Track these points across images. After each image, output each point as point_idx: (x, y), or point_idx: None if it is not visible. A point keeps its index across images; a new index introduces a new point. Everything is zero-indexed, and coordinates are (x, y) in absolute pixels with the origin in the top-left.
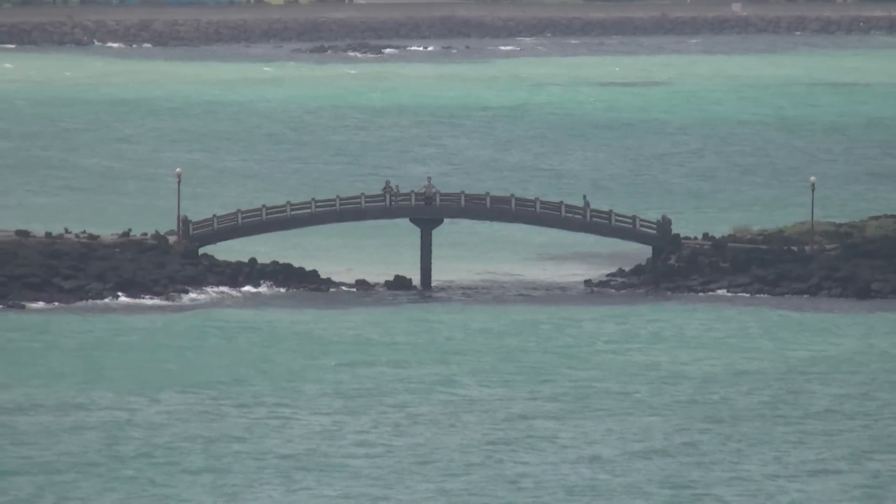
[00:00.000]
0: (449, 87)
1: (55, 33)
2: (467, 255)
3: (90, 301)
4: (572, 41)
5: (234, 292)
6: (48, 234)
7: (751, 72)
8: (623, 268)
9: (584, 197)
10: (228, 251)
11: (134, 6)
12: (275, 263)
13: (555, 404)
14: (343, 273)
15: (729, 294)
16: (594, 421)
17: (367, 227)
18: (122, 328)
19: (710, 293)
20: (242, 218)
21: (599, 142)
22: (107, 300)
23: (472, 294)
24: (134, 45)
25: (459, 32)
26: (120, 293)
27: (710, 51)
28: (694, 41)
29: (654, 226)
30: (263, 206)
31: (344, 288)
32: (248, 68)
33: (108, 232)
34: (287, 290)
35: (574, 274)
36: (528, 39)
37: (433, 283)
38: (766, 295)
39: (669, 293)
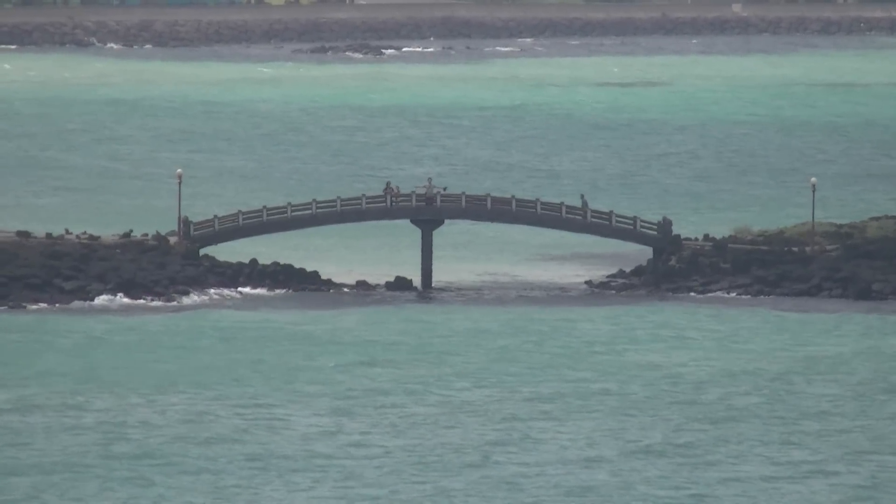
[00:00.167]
0: (449, 88)
1: (56, 34)
2: (468, 255)
3: (91, 302)
4: (572, 42)
5: (234, 293)
6: (49, 235)
7: (751, 72)
8: (624, 269)
9: (582, 196)
10: (229, 252)
11: (134, 7)
12: (276, 264)
13: (555, 405)
14: (344, 274)
15: (730, 295)
16: (594, 421)
17: (368, 227)
18: (123, 329)
19: (711, 294)
20: (243, 219)
21: (599, 142)
22: (107, 301)
23: (473, 295)
24: (134, 46)
25: (460, 33)
26: (121, 294)
27: (710, 51)
28: (694, 42)
29: (655, 227)
30: (264, 206)
31: (345, 289)
32: (248, 69)
33: (108, 233)
34: (288, 291)
35: (575, 275)
36: (528, 40)
37: (434, 284)
38: (766, 296)
39: (670, 294)
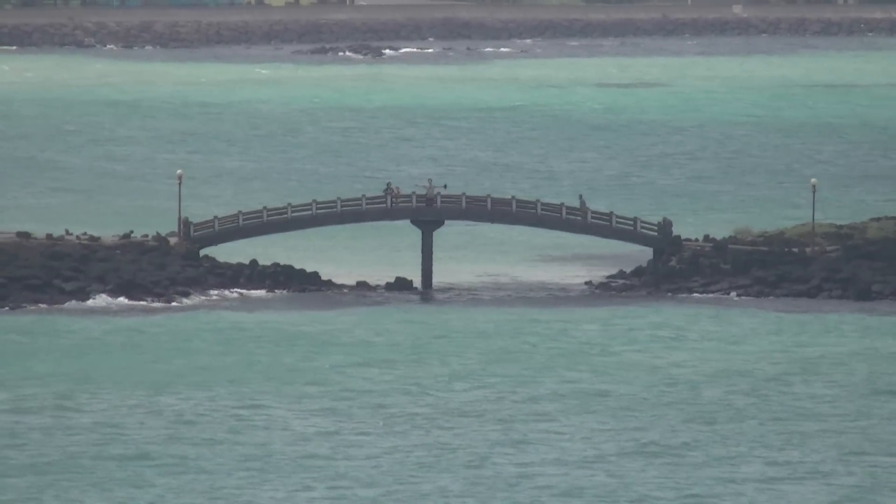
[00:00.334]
0: (449, 89)
1: (56, 35)
2: (468, 256)
3: (91, 303)
4: (572, 43)
5: (234, 294)
6: (49, 236)
7: (751, 73)
8: (624, 269)
9: (581, 197)
10: (229, 253)
11: (135, 8)
12: (276, 265)
13: (554, 405)
14: (344, 275)
15: (730, 296)
16: (593, 422)
17: (368, 228)
18: (123, 330)
19: (711, 295)
20: (243, 219)
21: (598, 143)
22: (107, 302)
23: (473, 295)
24: (135, 47)
25: (460, 34)
26: (121, 295)
27: (710, 52)
28: (694, 43)
29: (655, 227)
30: (264, 207)
31: (345, 290)
32: (248, 70)
33: (108, 233)
34: (288, 292)
35: (575, 275)
36: (527, 41)
37: (434, 285)
38: (766, 297)
39: (670, 294)
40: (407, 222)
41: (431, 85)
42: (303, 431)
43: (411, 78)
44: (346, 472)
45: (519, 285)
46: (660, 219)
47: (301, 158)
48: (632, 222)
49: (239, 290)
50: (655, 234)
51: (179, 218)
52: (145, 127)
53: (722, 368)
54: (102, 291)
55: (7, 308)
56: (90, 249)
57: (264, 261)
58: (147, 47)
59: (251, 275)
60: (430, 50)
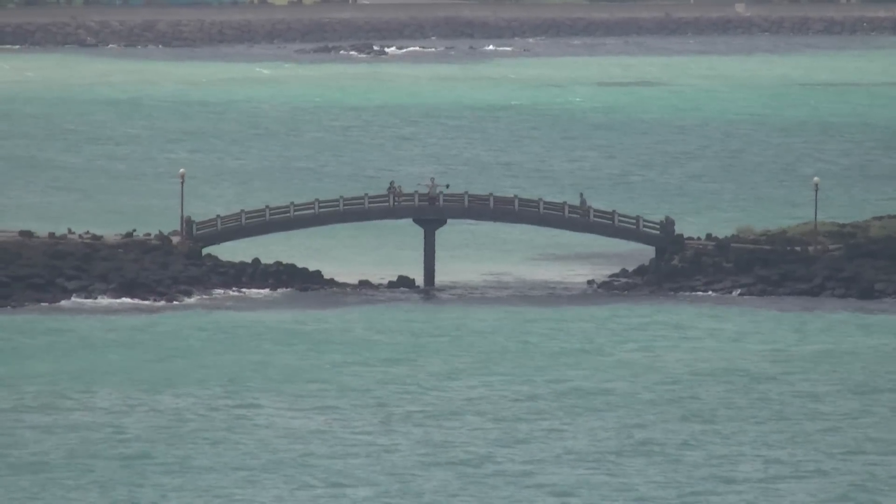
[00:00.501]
0: (451, 88)
1: (59, 34)
2: (471, 255)
3: (94, 302)
4: (575, 42)
5: (237, 293)
6: (51, 235)
7: (753, 72)
8: (626, 268)
9: (581, 195)
10: (232, 251)
11: (137, 7)
12: (278, 264)
13: (556, 404)
14: (346, 274)
15: (732, 294)
16: (595, 420)
17: (371, 227)
18: (125, 329)
19: (714, 293)
20: (246, 218)
21: (600, 142)
22: (110, 301)
23: (476, 294)
24: (138, 46)
25: (463, 33)
26: (123, 294)
27: (713, 52)
28: (697, 42)
29: (658, 226)
30: (267, 206)
31: (347, 289)
32: (251, 69)
33: (111, 232)
34: (290, 291)
35: (577, 274)
36: (531, 40)
37: (436, 284)
38: (769, 295)
39: (673, 293)
40: (409, 221)
41: (434, 84)
42: (304, 430)
43: (414, 77)
44: (347, 471)
45: (521, 284)
46: (662, 218)
47: (304, 157)
48: (634, 221)
49: (241, 289)
50: (658, 232)
51: (182, 217)
52: (148, 126)
53: (724, 367)
54: (105, 290)
55: (9, 307)
56: (93, 248)
57: (267, 260)
58: (150, 46)
59: (253, 274)
60: (433, 49)
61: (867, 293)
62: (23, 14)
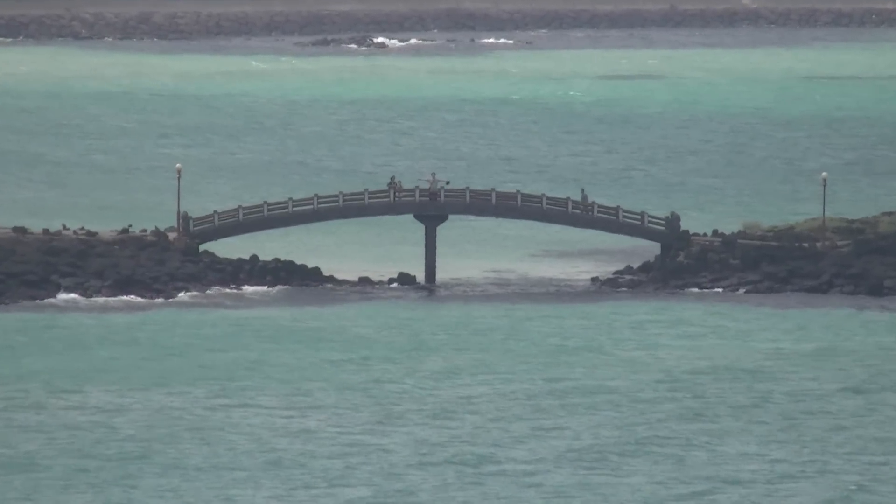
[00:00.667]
0: (452, 81)
1: (53, 26)
2: (472, 251)
3: (89, 299)
4: (578, 34)
5: (234, 290)
6: (46, 231)
7: (759, 66)
8: (631, 265)
9: (583, 191)
10: (229, 248)
11: None
12: (276, 261)
13: (559, 402)
14: (346, 270)
15: (739, 291)
16: (599, 419)
17: (371, 223)
18: (121, 326)
19: (720, 290)
20: (244, 214)
21: (602, 137)
22: (106, 298)
23: (478, 291)
24: (133, 39)
25: (464, 25)
26: (119, 291)
27: (718, 44)
28: (702, 34)
29: (663, 222)
30: (265, 202)
31: (347, 286)
32: (248, 62)
33: (106, 228)
34: (289, 288)
35: (581, 271)
36: (533, 32)
37: (437, 281)
38: (776, 292)
39: (678, 290)
40: (410, 217)
41: (433, 77)
42: (302, 430)
43: (414, 70)
44: (345, 471)
45: (523, 281)
46: (667, 213)
47: (302, 152)
48: (639, 217)
49: (239, 286)
50: (663, 228)
51: (178, 213)
52: (143, 120)
53: (730, 366)
54: (100, 288)
55: (3, 304)
56: (88, 245)
57: (265, 256)
58: (145, 39)
59: (251, 271)
60: (434, 41)
61: (876, 290)
62: (16, 6)
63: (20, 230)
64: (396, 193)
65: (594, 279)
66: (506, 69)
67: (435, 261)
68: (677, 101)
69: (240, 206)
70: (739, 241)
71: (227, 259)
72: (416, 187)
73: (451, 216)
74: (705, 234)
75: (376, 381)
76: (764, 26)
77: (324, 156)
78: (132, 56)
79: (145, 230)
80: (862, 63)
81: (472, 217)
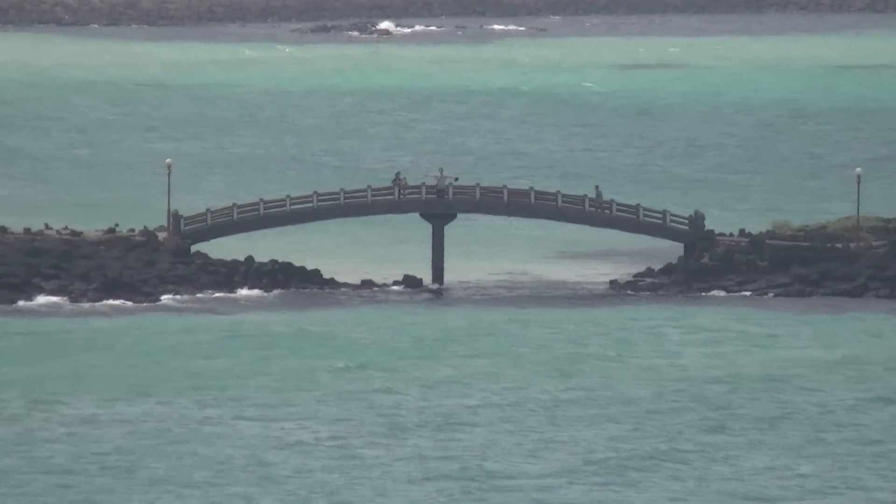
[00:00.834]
0: (460, 71)
1: (34, 12)
2: (482, 252)
3: (73, 303)
4: (594, 21)
5: (228, 294)
6: (27, 231)
7: (789, 54)
8: (652, 267)
9: (597, 187)
10: (223, 249)
11: None
12: (273, 262)
13: (575, 413)
14: (348, 273)
15: (767, 295)
16: (616, 430)
17: (374, 222)
18: (107, 332)
19: (747, 294)
20: (238, 213)
21: (621, 130)
22: (91, 302)
23: (487, 295)
24: (120, 25)
25: (473, 10)
26: (105, 294)
27: (744, 31)
28: (727, 20)
29: (686, 221)
30: (261, 199)
31: (349, 289)
32: (242, 50)
33: (91, 228)
34: (287, 292)
35: (598, 273)
36: (546, 19)
37: (445, 283)
38: (807, 296)
39: (702, 294)
40: (416, 216)
41: (439, 66)
42: (301, 442)
43: (419, 59)
44: (348, 485)
45: (537, 284)
46: (690, 212)
47: (299, 146)
48: (661, 215)
49: (233, 289)
50: (686, 228)
51: (169, 211)
52: (130, 112)
53: (756, 374)
54: (85, 291)
55: None
56: (72, 245)
57: (261, 258)
58: (133, 26)
59: (247, 273)
60: (441, 28)
61: None
62: None
63: None
64: (401, 190)
65: (612, 282)
66: (516, 58)
67: (442, 262)
68: (699, 92)
69: (234, 204)
70: (768, 241)
71: (220, 260)
72: (423, 184)
73: (459, 215)
74: (731, 234)
75: (379, 391)
76: (793, 12)
77: (322, 150)
78: (118, 44)
79: (133, 230)
80: None
81: (481, 215)
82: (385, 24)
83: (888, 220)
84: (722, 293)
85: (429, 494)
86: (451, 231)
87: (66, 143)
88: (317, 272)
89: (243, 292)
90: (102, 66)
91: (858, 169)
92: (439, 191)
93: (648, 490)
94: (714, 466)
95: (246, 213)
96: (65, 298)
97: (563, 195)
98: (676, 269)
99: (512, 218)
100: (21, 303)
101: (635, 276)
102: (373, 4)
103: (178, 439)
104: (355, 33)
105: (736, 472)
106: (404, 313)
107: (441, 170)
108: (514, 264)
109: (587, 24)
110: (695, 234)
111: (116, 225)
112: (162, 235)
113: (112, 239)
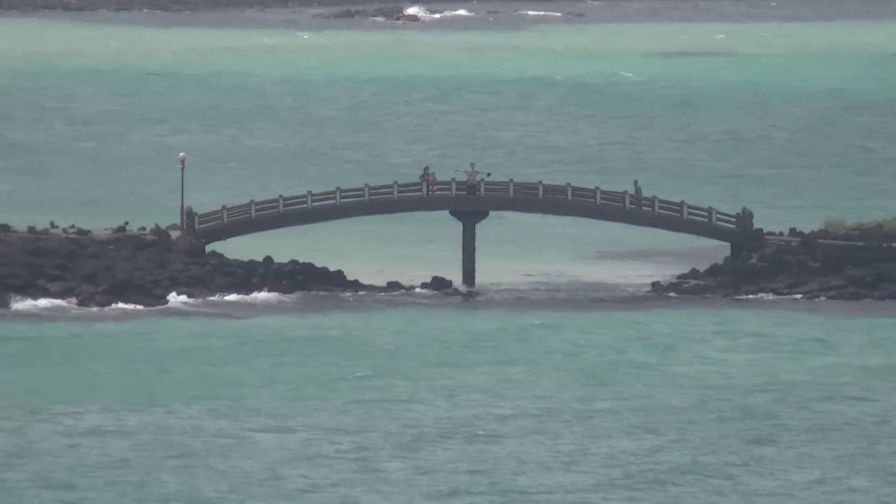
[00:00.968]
0: (491, 59)
1: None
2: (516, 252)
3: (80, 306)
4: (635, 5)
5: (245, 296)
6: (31, 229)
7: (841, 41)
8: (697, 268)
9: (636, 183)
10: (240, 249)
11: None
12: (293, 263)
13: (614, 423)
14: (373, 274)
15: (820, 298)
16: (657, 440)
17: (401, 220)
18: (116, 337)
19: (798, 297)
20: (256, 210)
21: (663, 121)
22: (99, 305)
23: (521, 297)
24: (131, 10)
25: None
26: (114, 296)
27: (794, 17)
28: (776, 6)
29: (733, 219)
30: (280, 196)
31: (374, 291)
32: (259, 37)
33: (100, 226)
34: (307, 294)
35: (640, 275)
36: (584, 3)
37: (476, 285)
38: (862, 299)
39: (750, 297)
40: (445, 213)
41: (469, 54)
42: (320, 452)
43: (448, 46)
44: (370, 497)
45: (573, 286)
46: (737, 209)
47: (320, 139)
48: (706, 213)
49: (250, 291)
50: (734, 226)
51: (182, 208)
52: (138, 103)
53: (807, 382)
54: (93, 293)
55: None
56: (79, 245)
57: (280, 258)
58: (144, 11)
59: (265, 274)
60: (472, 13)
61: None
62: None
63: (2, 228)
64: (430, 186)
65: (654, 284)
66: (550, 45)
67: (473, 263)
68: (745, 82)
69: (251, 201)
70: (820, 240)
71: (237, 261)
72: (453, 179)
73: (491, 212)
74: (781, 234)
75: (403, 400)
76: None
77: (343, 144)
78: (128, 29)
79: (144, 228)
80: None
81: (515, 213)
82: (413, 10)
83: None
84: (771, 296)
85: (438, 497)
86: (483, 230)
87: (70, 135)
88: (339, 273)
89: (261, 295)
90: (110, 53)
91: None
92: (470, 187)
93: (686, 501)
94: (760, 480)
95: (264, 210)
96: (71, 301)
97: (602, 192)
98: (723, 270)
99: (547, 216)
100: (24, 305)
101: (679, 277)
102: None
103: (189, 452)
104: (381, 19)
105: (783, 487)
106: (432, 317)
107: (472, 164)
108: (550, 265)
109: (628, 9)
110: (742, 234)
111: (126, 223)
112: (174, 234)
113: (121, 238)
